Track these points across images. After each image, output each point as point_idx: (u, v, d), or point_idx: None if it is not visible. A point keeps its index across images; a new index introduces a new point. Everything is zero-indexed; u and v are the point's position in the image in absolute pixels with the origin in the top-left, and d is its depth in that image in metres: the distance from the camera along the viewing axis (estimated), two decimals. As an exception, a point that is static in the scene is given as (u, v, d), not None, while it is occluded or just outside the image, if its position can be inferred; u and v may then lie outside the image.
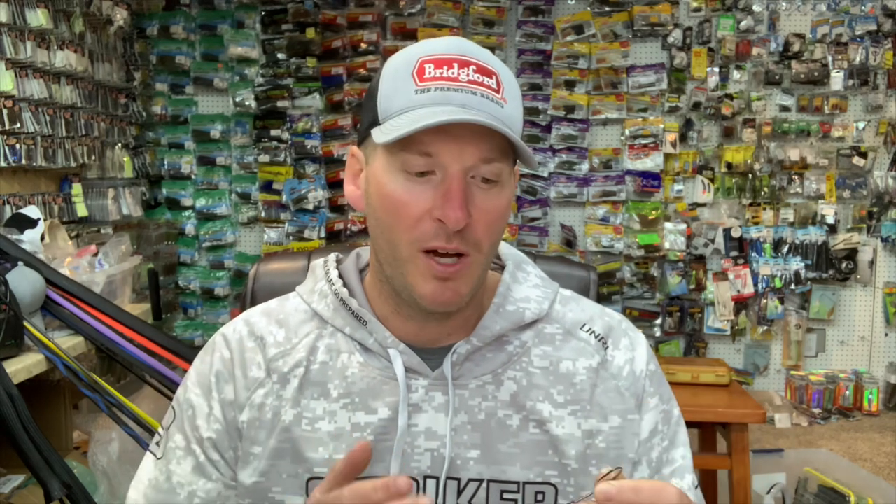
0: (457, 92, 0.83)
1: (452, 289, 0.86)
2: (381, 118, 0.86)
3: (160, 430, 0.99)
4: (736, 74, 4.10)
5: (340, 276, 0.97)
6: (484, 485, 0.90)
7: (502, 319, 0.93)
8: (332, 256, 1.01)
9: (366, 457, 0.75)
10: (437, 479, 0.90)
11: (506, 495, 0.90)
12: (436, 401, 0.91)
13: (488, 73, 0.85)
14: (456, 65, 0.84)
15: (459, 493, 0.90)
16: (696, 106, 4.10)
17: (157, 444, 0.98)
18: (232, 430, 0.94)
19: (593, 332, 0.97)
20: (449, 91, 0.83)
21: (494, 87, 0.85)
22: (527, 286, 0.97)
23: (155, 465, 0.96)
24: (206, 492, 0.93)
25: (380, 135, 0.85)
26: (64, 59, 3.10)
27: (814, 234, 4.09)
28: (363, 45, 4.15)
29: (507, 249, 1.02)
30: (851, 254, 4.09)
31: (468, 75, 0.84)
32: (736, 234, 4.10)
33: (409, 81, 0.84)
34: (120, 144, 3.81)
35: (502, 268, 0.99)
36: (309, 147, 4.20)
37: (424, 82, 0.84)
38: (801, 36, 4.06)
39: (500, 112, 0.84)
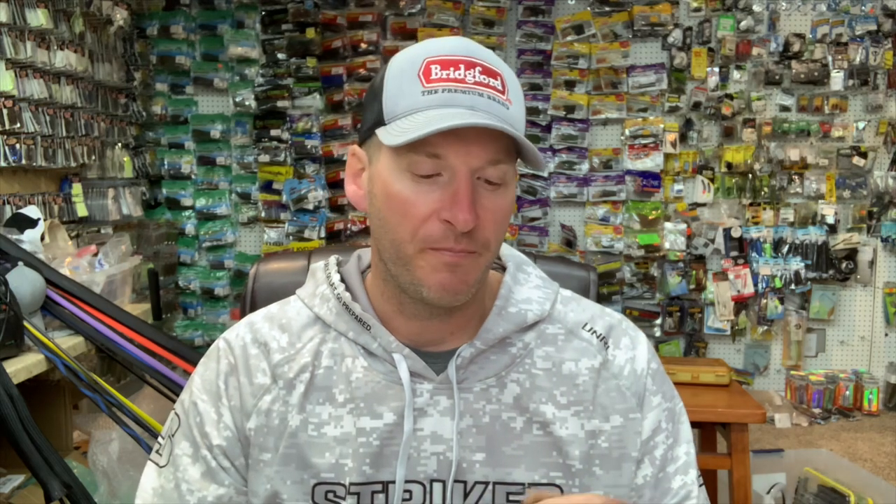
0: (464, 94, 0.83)
1: (460, 277, 0.86)
2: (386, 119, 0.85)
3: (161, 438, 0.97)
4: (736, 74, 4.10)
5: (342, 280, 0.96)
6: (490, 487, 0.90)
7: (505, 322, 0.93)
8: (333, 259, 1.00)
9: None
10: (444, 482, 0.90)
11: (511, 497, 0.90)
12: (441, 405, 0.91)
13: (493, 74, 0.85)
14: (462, 66, 0.84)
15: (466, 495, 0.90)
16: (696, 106, 4.10)
17: (159, 452, 0.96)
18: (242, 437, 0.93)
19: (595, 331, 0.97)
20: (456, 93, 0.83)
21: (500, 88, 0.85)
22: (528, 287, 0.97)
23: (159, 473, 0.95)
24: (216, 497, 0.92)
25: (387, 136, 0.84)
26: (64, 59, 3.10)
27: (814, 234, 4.09)
28: (363, 45, 4.15)
29: (507, 250, 1.01)
30: (851, 254, 4.09)
31: (475, 76, 0.84)
32: (736, 234, 4.10)
33: (415, 82, 0.84)
34: (120, 144, 3.81)
35: (503, 268, 0.99)
36: (309, 147, 4.20)
37: (431, 83, 0.83)
38: (801, 36, 4.06)
39: (506, 113, 0.84)
